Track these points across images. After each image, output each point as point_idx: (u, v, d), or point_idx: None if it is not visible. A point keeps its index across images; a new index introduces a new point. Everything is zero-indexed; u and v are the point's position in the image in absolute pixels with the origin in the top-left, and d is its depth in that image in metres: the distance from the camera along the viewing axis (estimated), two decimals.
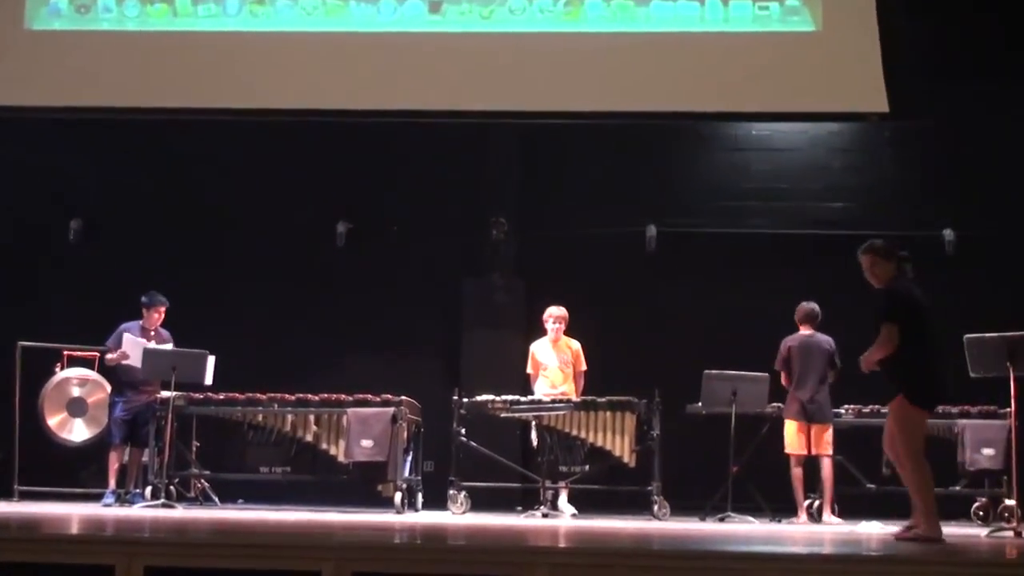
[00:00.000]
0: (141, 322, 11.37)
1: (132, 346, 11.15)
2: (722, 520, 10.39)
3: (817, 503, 10.78)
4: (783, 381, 10.89)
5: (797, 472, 10.69)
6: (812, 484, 10.89)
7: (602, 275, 13.14)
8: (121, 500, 11.01)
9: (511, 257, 13.44)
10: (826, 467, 10.68)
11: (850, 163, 13.63)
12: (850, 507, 10.75)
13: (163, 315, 11.39)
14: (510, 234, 13.33)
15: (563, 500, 11.07)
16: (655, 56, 12.33)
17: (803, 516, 10.58)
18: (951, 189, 13.11)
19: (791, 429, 10.72)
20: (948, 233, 13.00)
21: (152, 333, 11.35)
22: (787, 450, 10.71)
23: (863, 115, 12.48)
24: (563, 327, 11.31)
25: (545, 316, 11.35)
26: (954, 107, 12.59)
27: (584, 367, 11.31)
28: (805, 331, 10.91)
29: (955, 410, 10.96)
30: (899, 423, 7.76)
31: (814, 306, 10.98)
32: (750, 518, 10.45)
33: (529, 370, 11.40)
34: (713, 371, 10.86)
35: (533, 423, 10.89)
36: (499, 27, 12.49)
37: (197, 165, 13.53)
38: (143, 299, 11.37)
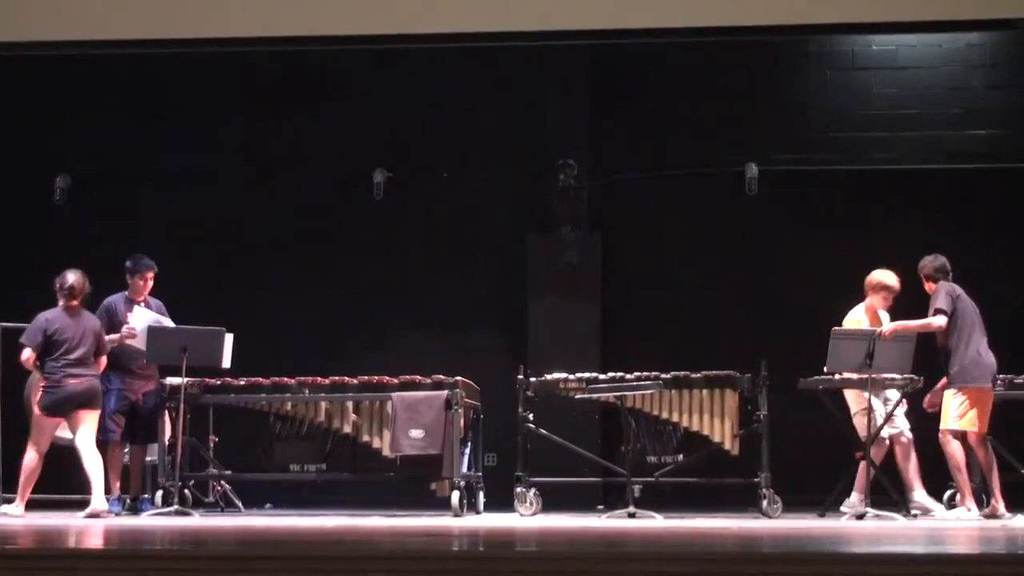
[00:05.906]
0: (127, 293, 11.31)
1: (140, 321, 11.13)
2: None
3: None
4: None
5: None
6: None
7: (693, 225, 13.11)
8: (128, 507, 11.12)
9: (583, 207, 13.42)
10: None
11: (995, 82, 13.51)
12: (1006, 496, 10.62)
13: (151, 282, 11.33)
14: (581, 179, 13.30)
15: None
16: None
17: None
18: None
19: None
20: None
21: (141, 304, 11.31)
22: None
23: (1009, 22, 12.30)
24: None
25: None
26: None
27: None
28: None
29: None
30: None
31: None
32: (885, 514, 10.34)
33: None
34: (841, 327, 10.67)
35: (616, 405, 10.90)
36: None
37: (204, 108, 13.58)
38: (127, 264, 11.28)
